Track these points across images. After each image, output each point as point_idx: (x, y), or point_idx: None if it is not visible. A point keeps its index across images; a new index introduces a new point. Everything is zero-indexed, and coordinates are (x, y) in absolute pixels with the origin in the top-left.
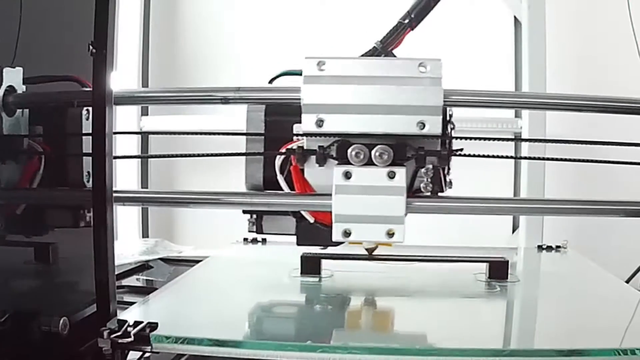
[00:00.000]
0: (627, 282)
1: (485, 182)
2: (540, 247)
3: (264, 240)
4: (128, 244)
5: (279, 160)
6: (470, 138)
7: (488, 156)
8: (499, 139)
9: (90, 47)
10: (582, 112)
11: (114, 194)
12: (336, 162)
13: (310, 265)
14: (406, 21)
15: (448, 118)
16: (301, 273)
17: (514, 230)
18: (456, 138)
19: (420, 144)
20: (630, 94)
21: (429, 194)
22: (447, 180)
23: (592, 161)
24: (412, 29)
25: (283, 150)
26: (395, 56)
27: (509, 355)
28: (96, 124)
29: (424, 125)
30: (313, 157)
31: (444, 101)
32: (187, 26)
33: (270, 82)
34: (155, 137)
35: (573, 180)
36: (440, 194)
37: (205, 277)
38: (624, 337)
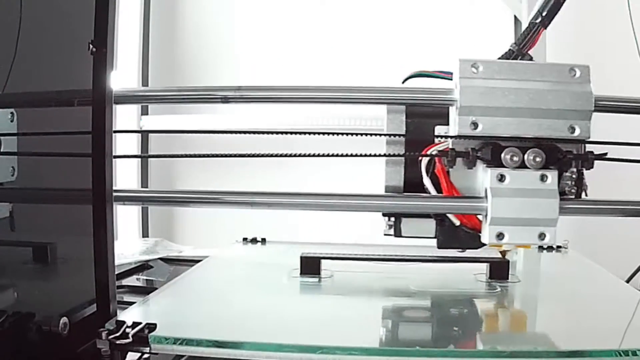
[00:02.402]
0: (627, 282)
1: None
2: (540, 247)
3: (263, 240)
4: (128, 244)
5: (424, 162)
6: (466, 137)
7: (620, 160)
8: (595, 143)
9: (90, 47)
10: None
11: (114, 194)
12: (484, 164)
13: (309, 266)
14: (538, 20)
15: None
16: (301, 273)
17: None
18: (592, 143)
19: (567, 147)
20: (630, 94)
21: (572, 197)
22: (585, 184)
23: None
24: (545, 28)
25: (427, 152)
26: (531, 57)
27: (510, 357)
28: (96, 123)
29: (574, 130)
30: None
31: (595, 106)
32: (187, 26)
33: (403, 82)
34: (155, 137)
35: None
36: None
37: (205, 277)
38: (625, 337)
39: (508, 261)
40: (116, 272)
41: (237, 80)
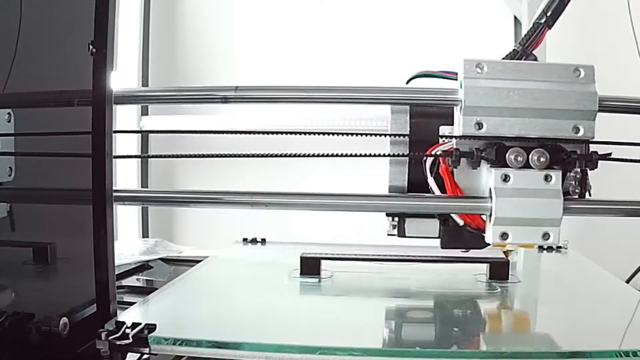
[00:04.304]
0: (627, 282)
1: None
2: (540, 248)
3: (263, 241)
4: (128, 244)
5: (429, 162)
6: (470, 137)
7: (623, 160)
8: (599, 143)
9: (90, 47)
10: None
11: (114, 194)
12: (488, 164)
13: (309, 266)
14: (542, 20)
15: None
16: (301, 274)
17: None
18: (596, 143)
19: (572, 148)
20: (630, 94)
21: (576, 197)
22: (589, 184)
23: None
24: (550, 28)
25: (431, 152)
26: (535, 57)
27: (510, 358)
28: (96, 124)
29: (579, 130)
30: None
31: (599, 106)
32: (187, 26)
33: (407, 82)
34: (155, 137)
35: None
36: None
37: (205, 278)
38: (625, 338)
39: (508, 261)
40: (116, 273)
41: (236, 80)
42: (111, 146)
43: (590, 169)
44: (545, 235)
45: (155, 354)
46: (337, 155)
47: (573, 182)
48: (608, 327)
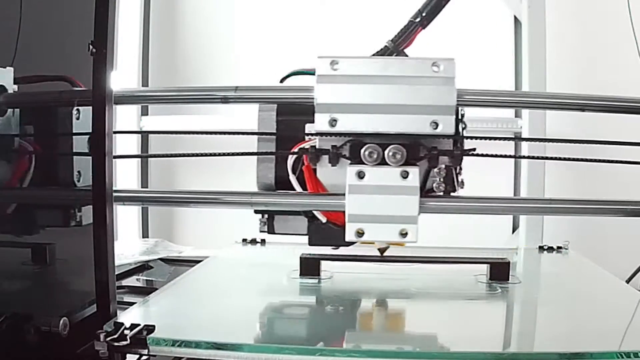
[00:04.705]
0: (627, 282)
1: (485, 182)
2: (541, 248)
3: (263, 241)
4: (128, 244)
5: (291, 160)
6: (470, 137)
7: (489, 155)
8: (498, 139)
9: (90, 47)
10: (582, 112)
11: (114, 194)
12: (349, 161)
13: (309, 267)
14: (417, 20)
15: (460, 118)
16: (300, 274)
17: (514, 231)
18: (468, 138)
19: (433, 143)
20: (630, 94)
21: (441, 193)
22: (459, 180)
23: (592, 161)
24: (424, 28)
25: (295, 150)
26: (407, 55)
27: (510, 359)
28: (96, 124)
29: (437, 125)
30: (325, 157)
31: (457, 101)
32: (187, 26)
33: (281, 81)
34: (155, 137)
35: (573, 180)
36: (452, 193)
37: (204, 278)
38: (626, 338)
39: (508, 262)
40: (116, 273)
41: (236, 80)
42: (111, 146)
43: (454, 166)
44: (403, 232)
45: (154, 356)
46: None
47: (437, 179)
48: (608, 327)
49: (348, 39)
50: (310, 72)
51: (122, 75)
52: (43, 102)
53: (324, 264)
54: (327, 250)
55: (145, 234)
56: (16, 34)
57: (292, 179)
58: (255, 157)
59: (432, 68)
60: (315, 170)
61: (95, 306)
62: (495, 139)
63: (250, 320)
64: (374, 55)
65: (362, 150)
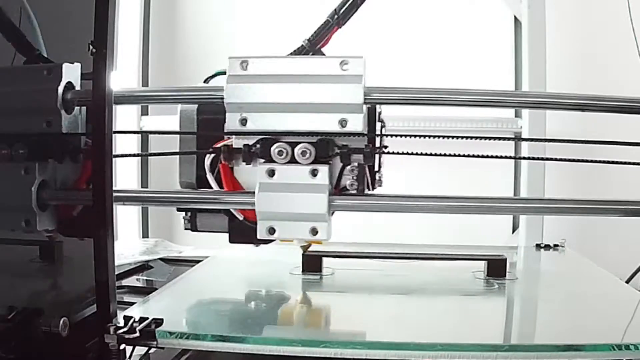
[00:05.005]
0: (627, 282)
1: (485, 182)
2: (538, 246)
3: None
4: (128, 244)
5: (208, 159)
6: (471, 137)
7: (486, 156)
8: (499, 139)
9: (90, 47)
10: (582, 112)
11: (114, 194)
12: (262, 160)
13: (311, 263)
14: (334, 18)
15: (377, 116)
16: (302, 271)
17: (514, 230)
18: (386, 136)
19: (344, 141)
20: (630, 94)
21: (354, 192)
22: (377, 178)
23: (592, 161)
24: (340, 27)
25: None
26: (323, 54)
27: (508, 350)
28: (96, 124)
29: (346, 123)
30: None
31: (366, 99)
32: (187, 26)
33: (206, 81)
34: (155, 137)
35: (573, 180)
36: (368, 191)
37: (206, 276)
38: (619, 332)
39: (505, 259)
40: (116, 273)
41: None
42: (111, 146)
43: (365, 163)
44: (314, 231)
45: (163, 348)
46: None
47: (350, 177)
48: (602, 321)
49: (348, 38)
50: None
51: (122, 75)
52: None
53: (326, 261)
54: (329, 247)
55: (145, 234)
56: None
57: (210, 177)
58: None
59: (341, 66)
60: (232, 169)
61: (95, 306)
62: (495, 139)
63: (254, 313)
64: (290, 54)
65: (273, 149)
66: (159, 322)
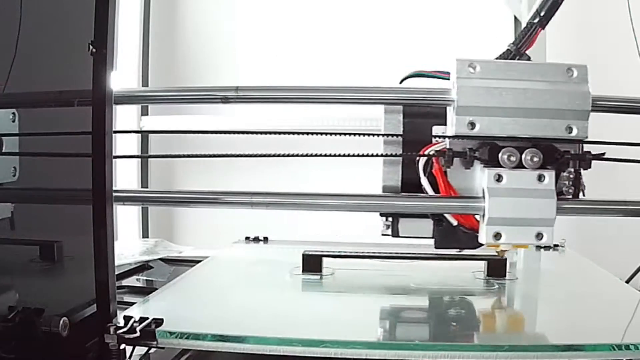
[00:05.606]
0: (627, 282)
1: None
2: (537, 246)
3: (265, 239)
4: (128, 244)
5: (422, 162)
6: (463, 137)
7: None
8: (593, 143)
9: (90, 47)
10: None
11: (114, 194)
12: (481, 164)
13: (311, 264)
14: (536, 20)
15: None
16: (302, 271)
17: None
18: (589, 142)
19: (565, 147)
20: (630, 94)
21: (570, 197)
22: (583, 184)
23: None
24: (543, 28)
25: (425, 152)
26: (529, 57)
27: (508, 350)
28: (96, 124)
29: (572, 130)
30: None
31: (592, 106)
32: (187, 26)
33: (401, 82)
34: (155, 137)
35: None
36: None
37: (206, 276)
38: (619, 332)
39: (505, 259)
40: (116, 273)
41: (237, 80)
42: (111, 146)
43: (584, 169)
44: (539, 235)
45: (162, 348)
46: (334, 155)
47: (567, 182)
48: (603, 321)
49: (348, 38)
50: (431, 75)
51: (122, 75)
52: (43, 102)
53: (326, 261)
54: (329, 247)
55: (145, 234)
56: (16, 33)
57: (424, 181)
58: (254, 159)
59: (566, 73)
60: (446, 173)
61: (95, 306)
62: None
63: (254, 314)
64: (497, 58)
65: (500, 154)
66: (159, 322)
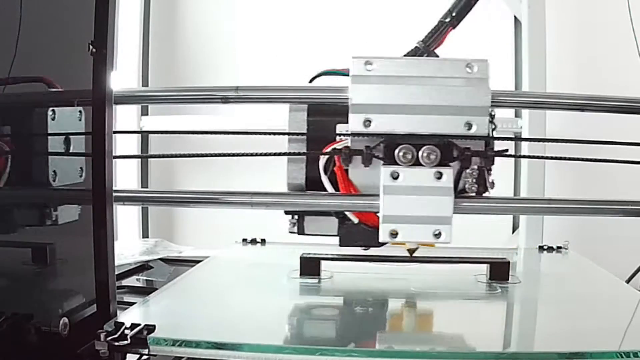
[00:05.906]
0: (627, 282)
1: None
2: (541, 248)
3: (263, 241)
4: (128, 244)
5: (322, 160)
6: (470, 137)
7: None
8: (499, 139)
9: (90, 47)
10: (582, 112)
11: (114, 194)
12: (381, 162)
13: (309, 267)
14: (447, 20)
15: (491, 119)
16: (300, 274)
17: (514, 230)
18: (498, 139)
19: (465, 144)
20: (630, 94)
21: (473, 194)
22: (490, 181)
23: (592, 160)
24: (454, 28)
25: (327, 150)
26: (437, 56)
27: (510, 358)
28: (96, 124)
29: (471, 126)
30: (355, 158)
31: (492, 102)
32: (187, 26)
33: (311, 81)
34: (155, 137)
35: (573, 180)
36: (484, 194)
37: (204, 278)
38: (626, 338)
39: (508, 262)
40: (116, 273)
41: (237, 80)
42: (111, 146)
43: (486, 166)
44: (437, 233)
45: (154, 355)
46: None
47: (470, 179)
48: (608, 327)
49: (349, 38)
50: (341, 73)
51: (122, 75)
52: (42, 102)
53: (324, 264)
54: (327, 250)
55: (145, 234)
56: (16, 33)
57: (324, 179)
58: (254, 158)
59: (466, 69)
60: (347, 171)
61: (95, 306)
62: (495, 138)
63: (251, 319)
64: (405, 55)
65: (397, 151)
66: (151, 328)
